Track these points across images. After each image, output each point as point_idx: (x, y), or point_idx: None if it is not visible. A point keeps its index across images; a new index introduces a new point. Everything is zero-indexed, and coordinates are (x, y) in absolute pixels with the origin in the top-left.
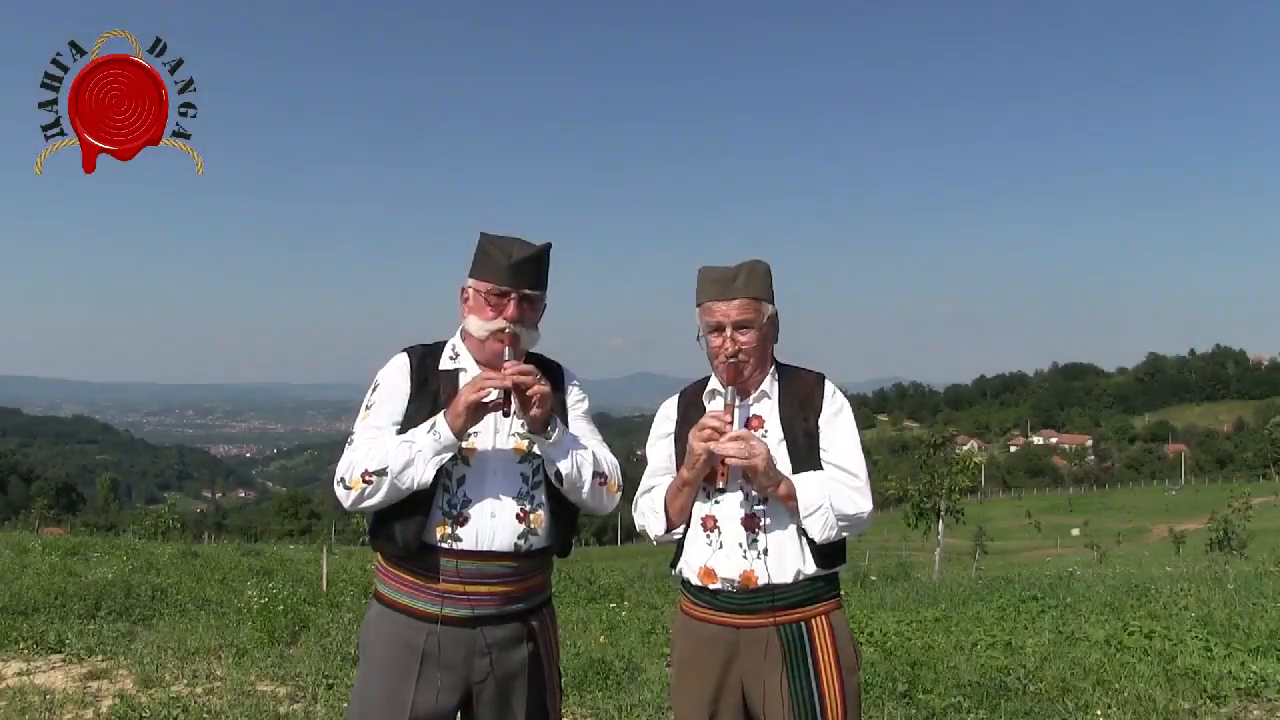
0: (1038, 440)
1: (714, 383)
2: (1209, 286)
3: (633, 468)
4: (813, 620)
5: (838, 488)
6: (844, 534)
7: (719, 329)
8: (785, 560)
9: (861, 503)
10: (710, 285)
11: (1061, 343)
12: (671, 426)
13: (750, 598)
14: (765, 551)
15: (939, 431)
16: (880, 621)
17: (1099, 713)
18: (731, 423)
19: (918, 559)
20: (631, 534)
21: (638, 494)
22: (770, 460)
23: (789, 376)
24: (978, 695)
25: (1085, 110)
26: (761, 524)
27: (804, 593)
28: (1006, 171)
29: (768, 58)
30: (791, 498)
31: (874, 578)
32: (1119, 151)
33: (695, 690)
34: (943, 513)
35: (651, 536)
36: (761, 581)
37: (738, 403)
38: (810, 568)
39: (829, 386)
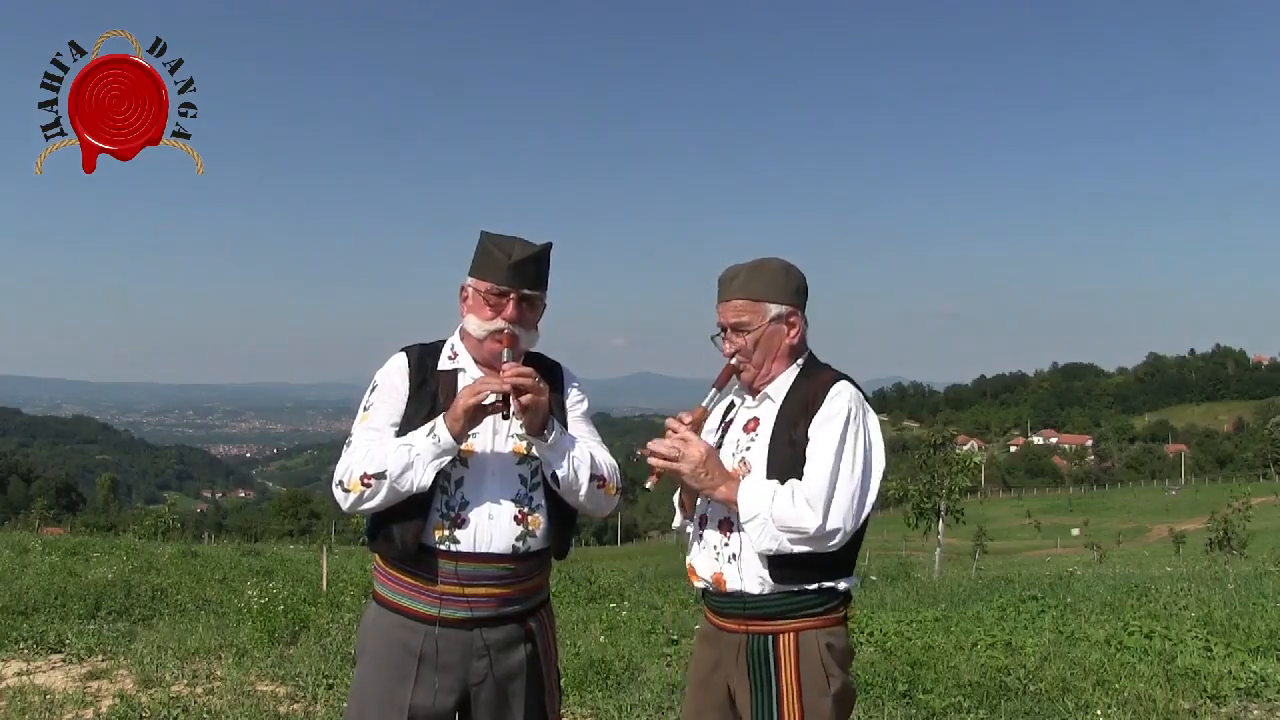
0: (1038, 440)
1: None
2: (1209, 286)
3: (633, 468)
4: (780, 635)
5: (785, 499)
6: (795, 547)
7: (724, 330)
8: (752, 568)
9: (807, 516)
10: (719, 285)
11: (1061, 343)
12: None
13: (726, 601)
14: (734, 556)
15: (939, 431)
16: (880, 621)
17: (1099, 713)
18: (691, 425)
19: (918, 559)
20: (631, 534)
21: None
22: (703, 465)
23: (807, 377)
24: (978, 695)
25: (1085, 110)
26: (735, 529)
27: (776, 605)
28: (1007, 171)
29: (770, 59)
30: (733, 503)
31: (874, 578)
32: (1119, 151)
33: (694, 680)
34: (943, 512)
35: (673, 525)
36: (730, 586)
37: (715, 402)
38: (770, 581)
39: (834, 390)
